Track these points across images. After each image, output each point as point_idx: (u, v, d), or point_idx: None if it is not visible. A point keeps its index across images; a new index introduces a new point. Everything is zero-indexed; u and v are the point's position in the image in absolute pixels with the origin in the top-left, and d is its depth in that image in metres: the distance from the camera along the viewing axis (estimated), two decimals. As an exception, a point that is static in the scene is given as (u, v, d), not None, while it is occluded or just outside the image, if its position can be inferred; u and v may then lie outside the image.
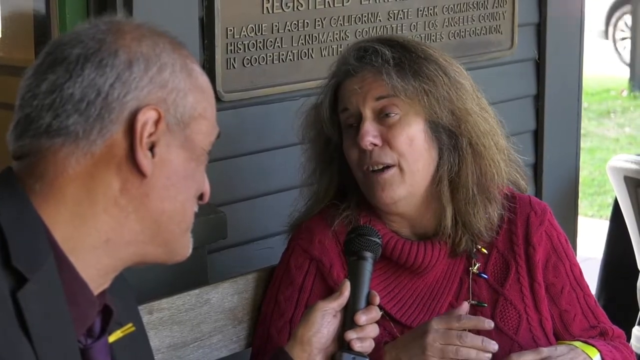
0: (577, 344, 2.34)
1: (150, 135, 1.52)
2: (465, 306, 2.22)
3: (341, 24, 3.14)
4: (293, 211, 2.51)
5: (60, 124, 1.50)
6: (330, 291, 2.33)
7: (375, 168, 2.32)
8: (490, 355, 2.16)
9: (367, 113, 2.31)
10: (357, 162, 2.34)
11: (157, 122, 1.52)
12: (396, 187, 2.32)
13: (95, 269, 1.53)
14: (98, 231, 1.51)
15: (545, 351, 2.26)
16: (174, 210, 1.56)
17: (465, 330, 2.16)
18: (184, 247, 1.61)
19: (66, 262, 1.49)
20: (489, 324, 2.17)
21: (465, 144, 2.34)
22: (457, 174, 2.34)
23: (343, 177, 2.42)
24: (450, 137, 2.34)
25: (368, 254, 2.20)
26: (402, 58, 2.33)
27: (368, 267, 2.19)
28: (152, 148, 1.52)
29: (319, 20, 3.08)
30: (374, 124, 2.31)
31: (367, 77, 2.33)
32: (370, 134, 2.30)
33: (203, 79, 1.60)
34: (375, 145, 2.31)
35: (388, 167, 2.31)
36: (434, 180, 2.35)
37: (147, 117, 1.51)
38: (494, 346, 2.16)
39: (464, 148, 2.34)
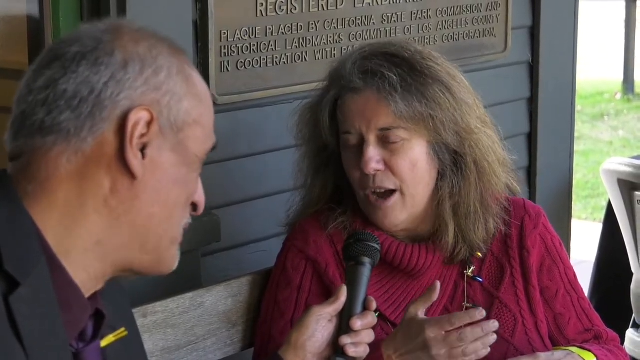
0: (574, 349, 2.34)
1: (142, 136, 1.51)
2: (437, 285, 2.19)
3: (335, 27, 3.13)
4: (289, 209, 2.51)
5: (53, 120, 1.50)
6: (327, 290, 2.34)
7: (377, 191, 2.32)
8: (495, 336, 2.14)
9: (371, 139, 2.30)
10: (358, 183, 2.34)
11: (149, 124, 1.51)
12: (398, 213, 2.33)
13: (87, 272, 1.52)
14: (88, 232, 1.51)
15: (543, 356, 2.27)
16: (163, 216, 1.55)
17: (461, 327, 2.15)
18: (172, 258, 1.60)
19: (58, 265, 1.49)
20: (480, 314, 2.15)
21: (470, 162, 2.34)
22: (459, 193, 2.35)
23: (338, 181, 2.42)
24: (453, 157, 2.34)
25: (366, 260, 2.20)
26: (408, 79, 2.30)
27: (366, 272, 2.19)
28: (143, 149, 1.52)
29: (312, 24, 3.08)
30: (377, 148, 2.31)
31: (371, 99, 2.30)
32: (374, 160, 2.30)
33: (201, 86, 1.59)
34: (378, 170, 2.31)
35: (389, 191, 2.32)
36: (434, 198, 2.36)
37: (139, 117, 1.51)
38: (493, 324, 2.14)
39: (469, 166, 2.34)
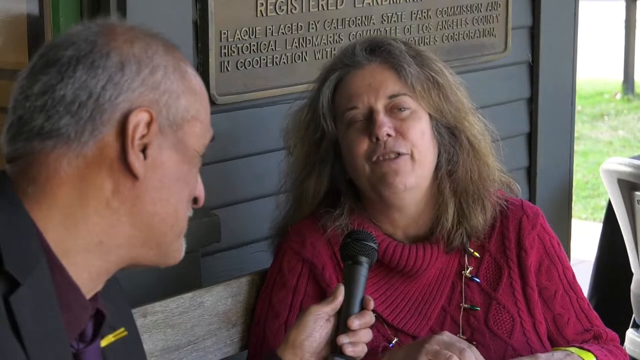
0: (573, 349, 2.34)
1: (142, 137, 1.51)
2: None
3: (335, 27, 3.14)
4: (274, 220, 2.51)
5: (52, 125, 1.50)
6: (323, 293, 2.34)
7: (388, 157, 2.32)
8: None
9: (380, 107, 2.33)
10: (366, 154, 2.34)
11: (149, 124, 1.52)
12: (408, 174, 2.33)
13: (88, 272, 1.53)
14: (90, 233, 1.51)
15: (542, 357, 2.27)
16: (166, 213, 1.56)
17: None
18: (177, 251, 1.61)
19: (58, 266, 1.49)
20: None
21: (465, 140, 2.38)
22: (455, 170, 2.37)
23: (335, 179, 2.42)
24: (451, 135, 2.38)
25: (364, 259, 2.20)
26: (413, 53, 2.39)
27: (363, 272, 2.19)
28: (144, 150, 1.52)
29: (312, 24, 3.08)
30: (387, 117, 2.33)
31: (377, 70, 2.36)
32: (386, 124, 2.32)
33: (196, 81, 1.60)
34: (389, 135, 2.32)
35: (400, 155, 2.32)
36: (435, 177, 2.37)
37: (138, 118, 1.51)
38: None
39: (464, 144, 2.38)
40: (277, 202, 2.54)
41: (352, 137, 2.36)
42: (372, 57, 2.37)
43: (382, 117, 2.32)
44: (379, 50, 2.38)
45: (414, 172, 2.33)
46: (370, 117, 2.33)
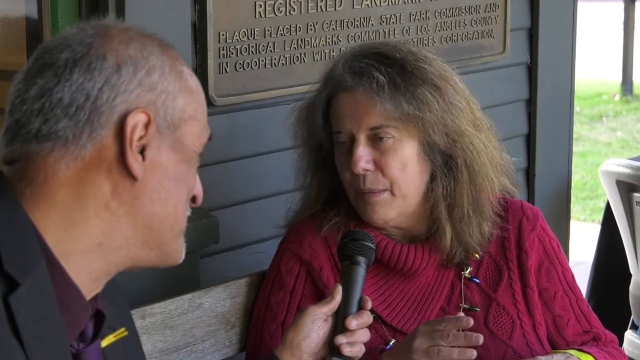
0: (572, 352, 2.34)
1: (141, 138, 1.52)
2: (459, 314, 2.21)
3: (333, 29, 3.14)
4: (288, 210, 2.51)
5: (50, 128, 1.50)
6: (321, 294, 2.34)
7: (367, 191, 2.32)
8: (475, 353, 2.14)
9: (361, 138, 2.30)
10: (349, 183, 2.34)
11: (147, 125, 1.52)
12: (387, 209, 2.33)
13: (87, 273, 1.53)
14: (89, 235, 1.51)
15: (542, 359, 2.27)
16: (165, 213, 1.56)
17: (453, 331, 2.15)
18: (177, 251, 1.61)
19: (58, 267, 1.49)
20: (467, 321, 2.14)
21: (461, 164, 2.34)
22: (451, 195, 2.34)
23: (334, 181, 2.42)
24: (445, 158, 2.34)
25: (361, 259, 2.20)
26: (397, 80, 2.30)
27: (361, 272, 2.19)
28: (142, 151, 1.52)
29: (311, 25, 3.08)
30: (367, 148, 2.31)
31: (361, 100, 2.30)
32: (363, 159, 2.30)
33: (193, 80, 1.60)
34: (367, 170, 2.30)
35: (378, 192, 2.31)
36: (427, 199, 2.35)
37: (136, 120, 1.51)
38: (477, 339, 2.13)
39: (460, 168, 2.34)
40: (292, 197, 2.53)
41: (338, 162, 2.36)
42: (355, 83, 2.31)
43: (361, 150, 2.29)
44: (362, 78, 2.30)
45: (394, 207, 2.33)
46: (352, 145, 2.31)
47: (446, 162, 2.34)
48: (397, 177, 2.30)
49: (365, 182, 2.31)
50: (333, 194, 2.43)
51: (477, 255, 2.41)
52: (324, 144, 2.40)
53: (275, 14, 2.98)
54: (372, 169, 2.30)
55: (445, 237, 2.35)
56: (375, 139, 2.30)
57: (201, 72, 2.82)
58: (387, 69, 2.30)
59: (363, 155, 2.30)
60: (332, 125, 2.37)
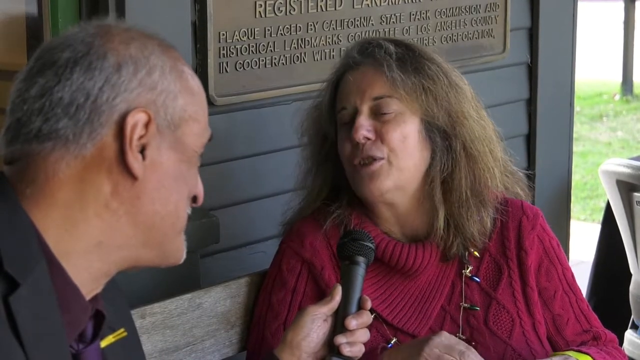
0: (571, 353, 2.34)
1: (141, 137, 1.52)
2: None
3: (334, 28, 3.14)
4: (287, 210, 2.51)
5: (50, 128, 1.50)
6: (322, 293, 2.34)
7: (365, 162, 2.32)
8: None
9: (364, 109, 2.33)
10: (349, 156, 2.35)
11: (147, 125, 1.52)
12: (383, 179, 2.32)
13: (87, 273, 1.53)
14: (90, 235, 1.51)
15: (541, 362, 2.28)
16: (166, 211, 1.56)
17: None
18: (178, 250, 1.61)
19: (58, 267, 1.49)
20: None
21: (459, 147, 2.35)
22: (449, 176, 2.35)
23: (336, 177, 2.42)
24: (444, 139, 2.36)
25: (361, 259, 2.21)
26: (405, 55, 2.37)
27: (360, 271, 2.20)
28: (142, 150, 1.52)
29: (311, 25, 3.08)
30: (369, 119, 2.33)
31: (367, 72, 2.35)
32: (364, 127, 2.32)
33: (194, 80, 1.60)
34: (368, 139, 2.31)
35: (376, 159, 2.32)
36: (425, 181, 2.36)
37: (136, 119, 1.51)
38: None
39: (458, 151, 2.35)
40: (295, 193, 2.53)
41: (340, 139, 2.37)
42: (364, 58, 2.37)
43: (362, 120, 2.32)
44: (370, 48, 2.38)
45: (391, 177, 2.32)
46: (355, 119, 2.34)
47: (446, 144, 2.36)
48: (395, 146, 2.31)
49: (364, 150, 2.32)
50: (334, 191, 2.44)
51: (476, 253, 2.41)
52: (329, 133, 2.40)
53: (275, 13, 2.98)
54: (373, 138, 2.32)
55: (438, 220, 2.34)
56: (378, 113, 2.33)
57: (201, 71, 2.82)
58: (396, 47, 2.38)
59: (365, 124, 2.32)
60: (336, 108, 2.38)
